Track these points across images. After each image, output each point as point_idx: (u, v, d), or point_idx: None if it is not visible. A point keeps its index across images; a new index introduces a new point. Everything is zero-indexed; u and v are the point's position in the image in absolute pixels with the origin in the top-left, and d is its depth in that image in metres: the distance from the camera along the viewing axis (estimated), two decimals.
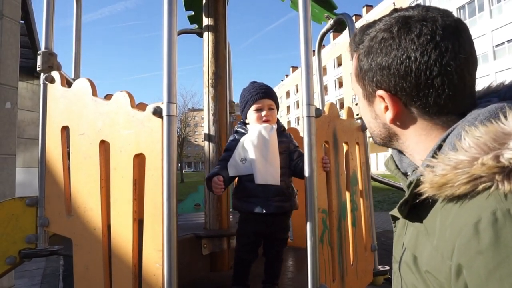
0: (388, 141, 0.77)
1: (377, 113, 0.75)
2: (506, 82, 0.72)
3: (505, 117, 0.56)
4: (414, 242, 0.67)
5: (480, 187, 0.54)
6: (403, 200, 0.68)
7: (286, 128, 2.18)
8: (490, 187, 0.53)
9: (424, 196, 0.62)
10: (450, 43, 0.63)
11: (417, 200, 0.64)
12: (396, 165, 0.80)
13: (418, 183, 0.63)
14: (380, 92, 0.70)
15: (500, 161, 0.52)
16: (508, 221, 0.49)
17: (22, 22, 5.63)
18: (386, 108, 0.71)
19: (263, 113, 1.95)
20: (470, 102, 0.67)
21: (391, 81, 0.67)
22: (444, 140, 0.64)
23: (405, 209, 0.69)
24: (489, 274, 0.49)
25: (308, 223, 1.65)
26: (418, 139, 0.71)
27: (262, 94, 1.98)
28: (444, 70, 0.63)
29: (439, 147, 0.64)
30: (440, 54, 0.63)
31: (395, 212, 0.72)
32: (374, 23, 0.72)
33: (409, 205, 0.68)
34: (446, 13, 0.67)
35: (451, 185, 0.57)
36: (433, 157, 0.62)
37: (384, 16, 0.71)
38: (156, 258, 1.47)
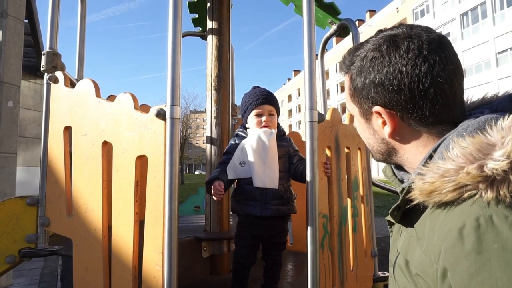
0: (387, 156, 0.79)
1: (375, 129, 0.77)
2: (499, 94, 0.75)
3: (492, 128, 0.59)
4: (406, 247, 0.70)
5: (466, 194, 0.57)
6: (396, 205, 0.72)
7: (288, 132, 2.18)
8: (475, 195, 0.56)
9: (415, 202, 0.65)
10: (437, 55, 0.67)
11: (409, 206, 0.68)
12: (393, 172, 0.83)
13: (409, 189, 0.66)
14: (376, 108, 0.72)
15: (484, 171, 0.56)
16: (490, 227, 0.52)
17: (26, 21, 5.65)
18: (384, 123, 0.73)
19: (263, 118, 1.97)
20: (460, 111, 0.70)
21: (386, 96, 0.70)
22: (435, 150, 0.67)
23: (398, 214, 0.73)
24: (471, 277, 0.51)
25: (309, 228, 1.65)
26: (416, 151, 0.73)
27: (262, 100, 1.99)
28: (436, 81, 0.66)
29: (430, 156, 0.67)
30: (429, 66, 0.66)
31: (390, 217, 0.76)
32: (361, 45, 0.75)
33: (402, 211, 0.72)
34: (429, 30, 0.71)
35: (438, 192, 0.60)
36: (424, 165, 0.65)
37: (370, 38, 0.74)
38: (157, 260, 1.47)
